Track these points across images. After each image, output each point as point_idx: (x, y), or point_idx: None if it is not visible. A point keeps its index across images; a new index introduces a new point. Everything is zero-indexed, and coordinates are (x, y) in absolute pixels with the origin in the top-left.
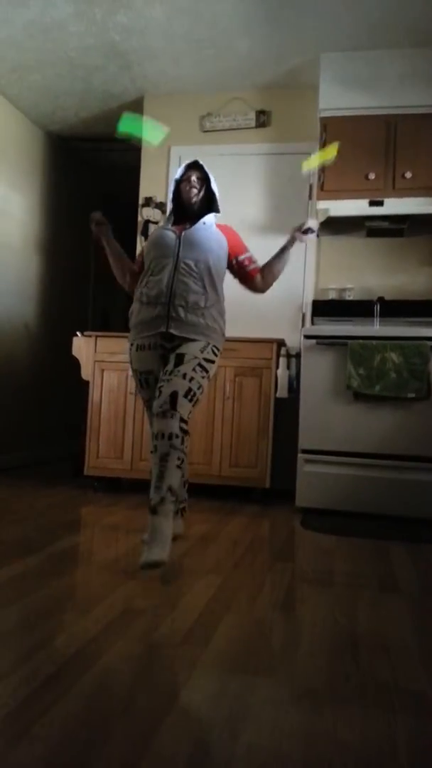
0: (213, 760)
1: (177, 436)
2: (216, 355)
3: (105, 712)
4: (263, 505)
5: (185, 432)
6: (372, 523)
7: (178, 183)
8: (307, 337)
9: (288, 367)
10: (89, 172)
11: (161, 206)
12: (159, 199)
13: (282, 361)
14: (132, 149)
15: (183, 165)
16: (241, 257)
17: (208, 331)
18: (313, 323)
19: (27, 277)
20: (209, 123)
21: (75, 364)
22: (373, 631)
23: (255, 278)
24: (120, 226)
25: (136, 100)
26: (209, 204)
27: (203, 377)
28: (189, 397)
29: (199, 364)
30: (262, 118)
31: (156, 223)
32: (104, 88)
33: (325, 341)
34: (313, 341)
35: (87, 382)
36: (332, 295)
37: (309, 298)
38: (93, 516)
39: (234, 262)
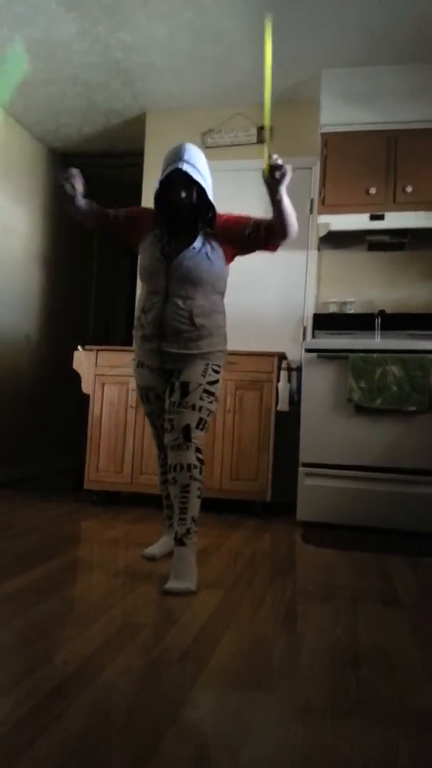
0: None
1: (195, 467)
2: (218, 372)
3: (105, 729)
4: (264, 519)
5: (201, 462)
6: (373, 537)
7: (163, 184)
8: (308, 350)
9: (289, 380)
10: (92, 187)
11: None
12: None
13: (283, 374)
14: (134, 165)
15: (165, 165)
16: (248, 231)
17: (206, 354)
18: (314, 336)
19: (29, 290)
20: (211, 139)
21: (76, 377)
22: (375, 645)
23: (270, 232)
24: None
25: (138, 116)
26: (203, 207)
27: (210, 402)
28: (201, 426)
29: (204, 390)
30: (264, 134)
31: None
32: (107, 105)
33: (326, 354)
34: (314, 354)
35: (87, 396)
36: (333, 309)
37: (310, 311)
38: (93, 530)
39: (246, 241)
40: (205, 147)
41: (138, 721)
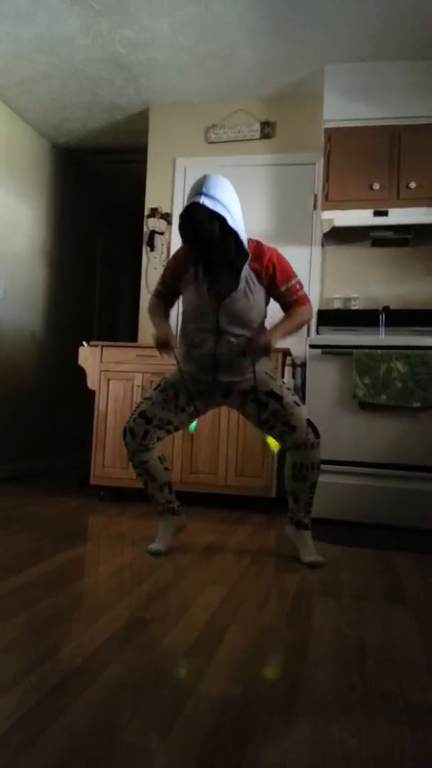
0: None
1: (320, 463)
2: (271, 376)
3: (111, 723)
4: (269, 515)
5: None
6: (378, 533)
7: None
8: (312, 346)
9: (293, 376)
10: (96, 183)
11: (167, 217)
12: (164, 209)
13: (287, 370)
14: (138, 161)
15: (188, 201)
16: (283, 288)
17: (258, 369)
18: (318, 333)
19: (34, 287)
20: (214, 134)
21: (81, 373)
22: (380, 642)
23: (291, 311)
24: (126, 236)
25: (141, 111)
26: (235, 239)
27: (296, 396)
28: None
29: (286, 388)
30: (267, 129)
31: (161, 233)
32: (110, 101)
33: (330, 351)
34: (319, 351)
35: (93, 392)
36: (337, 305)
37: (314, 307)
38: (99, 525)
39: (275, 294)
40: (208, 143)
41: (144, 715)
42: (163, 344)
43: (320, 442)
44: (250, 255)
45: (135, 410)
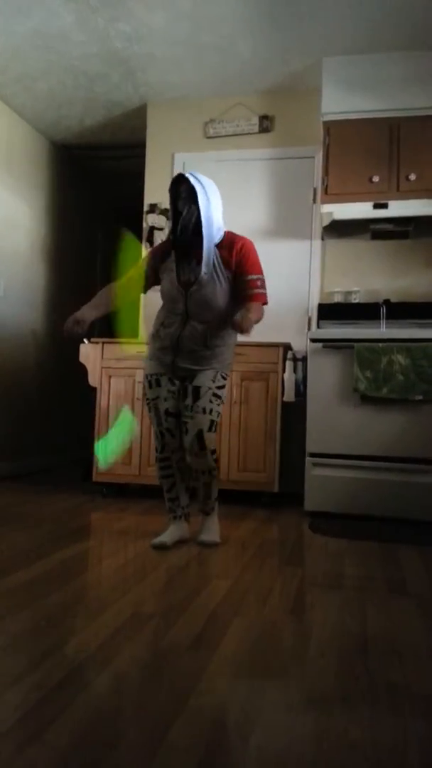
0: (223, 764)
1: (214, 469)
2: (225, 379)
3: (115, 717)
4: (272, 510)
5: (216, 461)
6: (381, 526)
7: (173, 201)
8: (313, 340)
9: (295, 370)
10: (94, 179)
11: (166, 212)
12: (163, 205)
13: (288, 365)
14: (136, 156)
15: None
16: (244, 278)
17: (215, 362)
18: (319, 326)
19: (34, 284)
20: (213, 129)
21: (82, 370)
22: (383, 633)
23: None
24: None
25: (139, 107)
26: (197, 220)
27: (219, 404)
28: (212, 428)
29: (214, 394)
30: (266, 123)
31: (161, 229)
32: (108, 96)
33: (331, 344)
34: (320, 344)
35: (94, 389)
36: (338, 298)
37: (315, 301)
38: (102, 522)
39: (238, 281)
40: (207, 137)
41: (148, 710)
42: (76, 320)
43: (207, 453)
44: (221, 242)
45: (156, 414)
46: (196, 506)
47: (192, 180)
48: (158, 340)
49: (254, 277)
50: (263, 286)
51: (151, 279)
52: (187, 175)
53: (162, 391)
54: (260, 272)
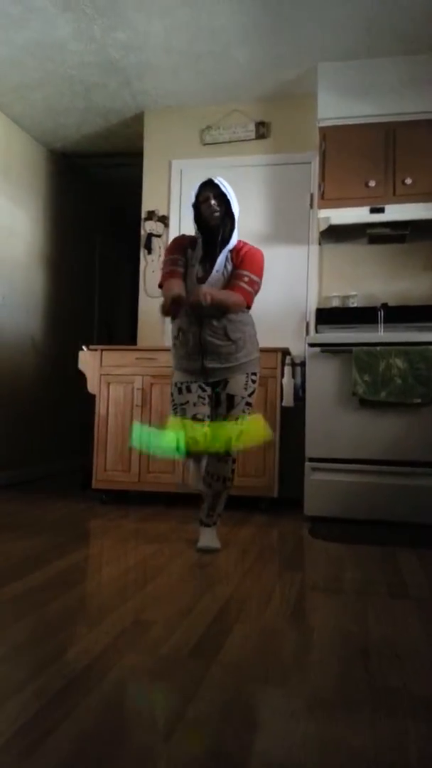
0: None
1: (229, 479)
2: (255, 382)
3: (116, 725)
4: (271, 515)
5: (234, 471)
6: (381, 530)
7: (196, 205)
8: (311, 345)
9: (293, 375)
10: (92, 187)
11: (164, 219)
12: (161, 212)
13: (287, 370)
14: (133, 164)
15: (197, 185)
16: (236, 270)
17: (243, 359)
18: (317, 331)
19: (33, 291)
20: (209, 136)
21: (81, 377)
22: (384, 637)
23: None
24: (124, 239)
25: (136, 115)
26: (231, 224)
27: (249, 412)
28: (240, 438)
29: (246, 403)
30: (262, 130)
31: (159, 236)
32: (105, 105)
33: (329, 349)
34: (318, 349)
35: (93, 396)
36: (336, 303)
37: (312, 306)
38: (102, 529)
39: (233, 272)
40: (204, 144)
41: (149, 717)
42: (174, 300)
43: (230, 460)
44: (233, 245)
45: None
46: (199, 515)
47: (222, 188)
48: (182, 347)
49: (244, 272)
50: (251, 285)
51: (185, 268)
52: (216, 181)
53: (192, 397)
54: (255, 273)
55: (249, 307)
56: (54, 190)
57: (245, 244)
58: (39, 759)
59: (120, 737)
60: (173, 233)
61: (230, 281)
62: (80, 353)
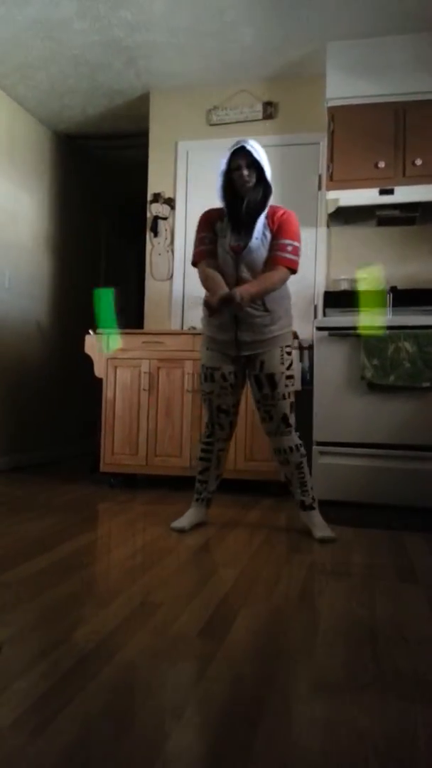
0: (232, 751)
1: (301, 445)
2: (290, 354)
3: (124, 705)
4: (279, 499)
5: (300, 439)
6: (388, 514)
7: (228, 173)
8: (319, 328)
9: (301, 359)
10: (97, 169)
11: (170, 202)
12: (167, 194)
13: (295, 353)
14: (139, 146)
15: (228, 152)
16: (276, 240)
17: (279, 339)
18: (325, 315)
19: (38, 276)
20: (216, 116)
21: (88, 361)
22: (392, 621)
23: (270, 266)
24: (130, 222)
25: (142, 95)
26: (263, 191)
27: (293, 384)
28: (292, 410)
29: (287, 377)
30: (269, 110)
31: (165, 218)
32: (110, 85)
33: (337, 332)
34: (326, 333)
35: (100, 380)
36: (344, 286)
37: (321, 289)
38: (110, 512)
39: (271, 243)
40: (210, 125)
41: (156, 698)
42: (223, 300)
43: (292, 430)
44: (267, 210)
45: (209, 408)
46: (294, 501)
47: (256, 154)
48: (215, 319)
49: (286, 241)
50: (294, 252)
51: (216, 246)
52: (249, 147)
53: (215, 387)
54: (294, 239)
55: (295, 272)
56: (58, 172)
57: (278, 208)
58: (48, 738)
59: (128, 718)
60: (179, 216)
61: (272, 251)
62: (87, 337)
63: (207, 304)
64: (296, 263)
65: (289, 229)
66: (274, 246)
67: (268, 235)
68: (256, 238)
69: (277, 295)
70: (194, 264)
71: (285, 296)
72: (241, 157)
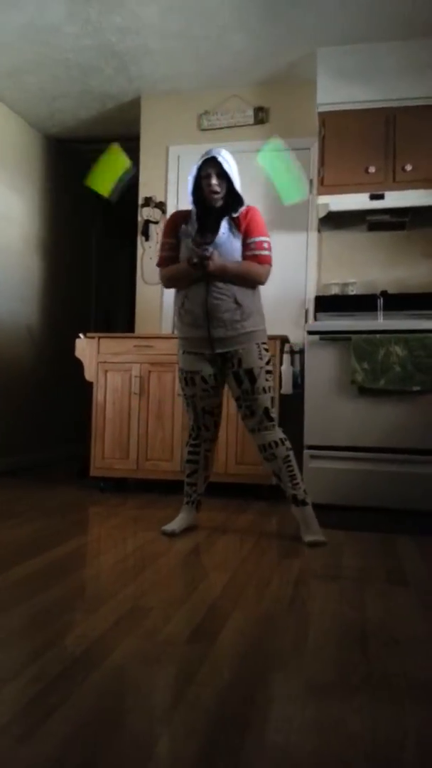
0: (222, 756)
1: (286, 439)
2: (267, 351)
3: (113, 710)
4: (270, 502)
5: (284, 433)
6: (379, 517)
7: (197, 179)
8: (310, 332)
9: (292, 363)
10: (88, 173)
11: (161, 206)
12: (158, 198)
13: (286, 357)
14: (130, 150)
15: (200, 159)
16: (250, 240)
17: (253, 336)
18: (316, 319)
19: (29, 279)
20: (207, 121)
21: (79, 365)
22: (382, 623)
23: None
24: (121, 225)
25: (133, 100)
26: (233, 200)
27: (272, 378)
28: (273, 404)
29: (266, 371)
30: (261, 115)
31: (156, 222)
32: (101, 89)
33: (328, 336)
34: (317, 337)
35: (91, 383)
36: (335, 290)
37: (311, 293)
38: (100, 516)
39: (244, 244)
40: (201, 130)
41: (146, 702)
42: (201, 257)
43: (275, 425)
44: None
45: (194, 411)
46: (286, 497)
47: (226, 165)
48: (187, 315)
49: (261, 239)
50: (269, 248)
51: (179, 252)
52: (220, 158)
53: (197, 390)
54: (266, 234)
55: (270, 265)
56: (50, 175)
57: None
58: (38, 742)
59: (117, 722)
60: None
61: (250, 251)
62: (77, 341)
63: (189, 262)
64: (270, 257)
65: (258, 226)
66: (252, 246)
67: (236, 232)
68: (223, 233)
69: (249, 291)
70: (158, 266)
71: (257, 294)
72: (211, 166)
